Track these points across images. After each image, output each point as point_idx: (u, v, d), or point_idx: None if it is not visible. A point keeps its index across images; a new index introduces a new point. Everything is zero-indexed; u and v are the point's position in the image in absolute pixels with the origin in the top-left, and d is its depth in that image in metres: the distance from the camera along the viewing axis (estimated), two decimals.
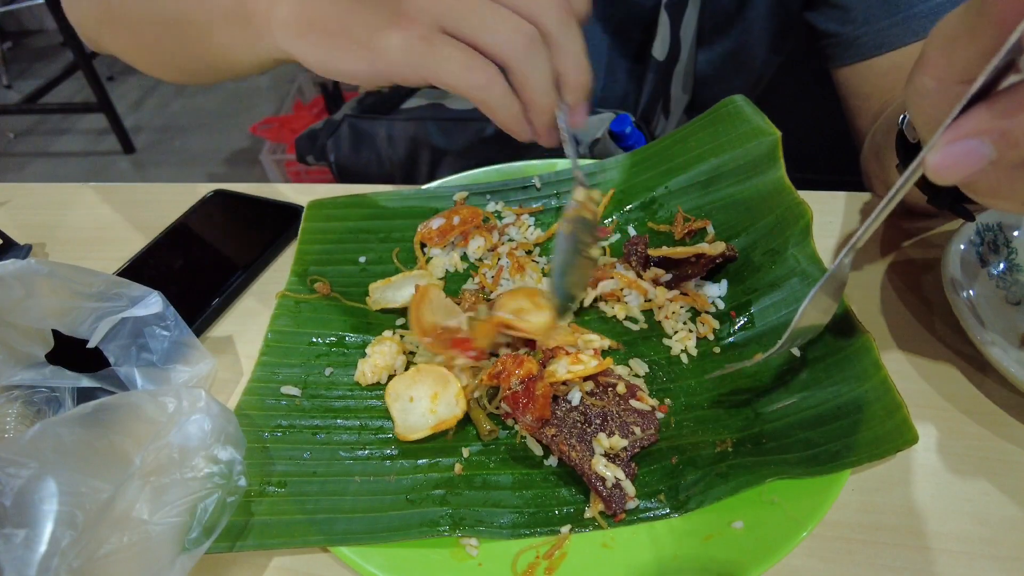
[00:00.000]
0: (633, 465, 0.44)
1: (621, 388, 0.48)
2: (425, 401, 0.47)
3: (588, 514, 0.42)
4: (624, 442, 0.44)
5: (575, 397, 0.47)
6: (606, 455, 0.44)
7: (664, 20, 0.73)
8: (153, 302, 0.48)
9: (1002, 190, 0.29)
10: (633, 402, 0.47)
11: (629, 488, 0.42)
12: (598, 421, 0.45)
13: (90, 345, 0.47)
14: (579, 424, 0.45)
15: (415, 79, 0.44)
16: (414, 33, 0.42)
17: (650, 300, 0.55)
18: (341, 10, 0.46)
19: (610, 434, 0.44)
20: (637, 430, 0.45)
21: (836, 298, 0.43)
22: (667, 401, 0.49)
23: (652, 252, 0.56)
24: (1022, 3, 0.25)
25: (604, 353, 0.52)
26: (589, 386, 0.48)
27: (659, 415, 0.47)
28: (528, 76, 0.42)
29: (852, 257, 0.39)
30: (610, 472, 0.42)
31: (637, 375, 0.51)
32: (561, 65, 0.43)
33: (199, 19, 0.55)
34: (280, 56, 0.50)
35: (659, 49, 0.75)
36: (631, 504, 0.42)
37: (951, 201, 0.47)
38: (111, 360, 0.47)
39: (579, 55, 0.43)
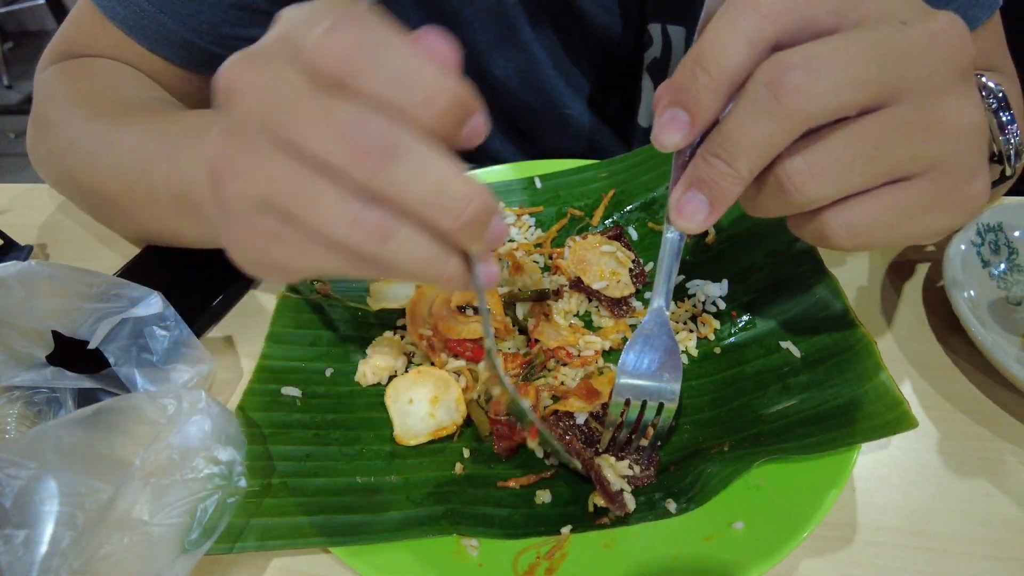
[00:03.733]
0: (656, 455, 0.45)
1: None
2: (424, 404, 0.47)
3: (592, 508, 0.42)
4: (626, 467, 0.44)
5: (580, 418, 0.47)
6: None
7: (648, 84, 0.70)
8: (153, 303, 0.48)
9: (766, 209, 0.34)
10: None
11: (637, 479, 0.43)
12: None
13: (91, 346, 0.47)
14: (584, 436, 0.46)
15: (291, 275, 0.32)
16: (232, 220, 0.30)
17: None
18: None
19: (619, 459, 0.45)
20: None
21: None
22: None
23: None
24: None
25: (604, 353, 0.52)
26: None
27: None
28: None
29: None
30: (616, 480, 0.43)
31: None
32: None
33: (148, 208, 0.55)
34: None
35: (644, 116, 0.73)
36: (631, 503, 0.42)
37: None
38: (111, 361, 0.47)
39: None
